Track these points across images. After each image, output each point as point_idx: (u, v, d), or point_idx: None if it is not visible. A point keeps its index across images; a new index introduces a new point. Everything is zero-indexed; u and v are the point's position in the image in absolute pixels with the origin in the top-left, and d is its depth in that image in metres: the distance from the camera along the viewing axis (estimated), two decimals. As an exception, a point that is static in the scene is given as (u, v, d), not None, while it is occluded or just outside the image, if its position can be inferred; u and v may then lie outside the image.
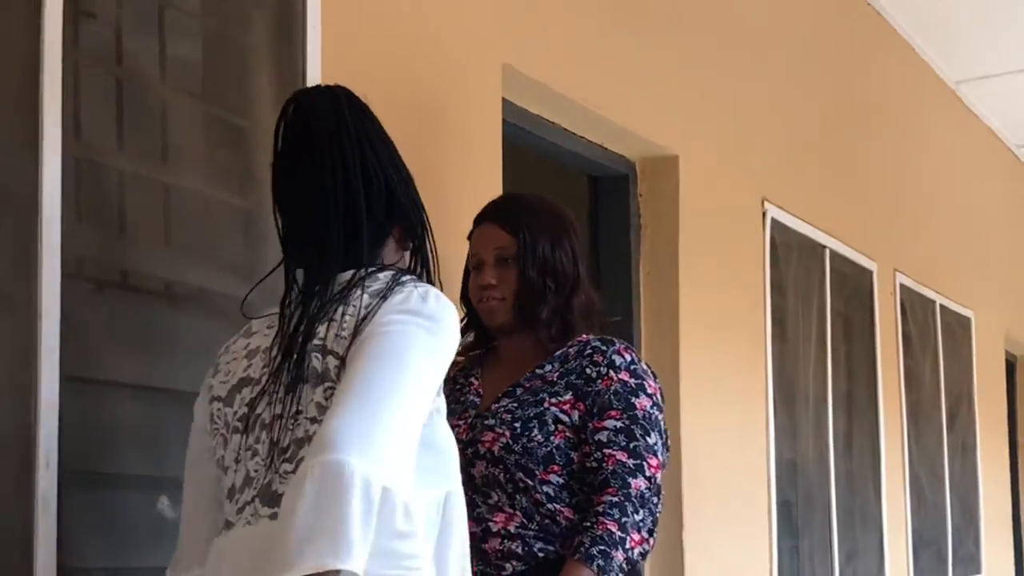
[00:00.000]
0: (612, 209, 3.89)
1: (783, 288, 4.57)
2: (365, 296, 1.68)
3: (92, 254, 2.06)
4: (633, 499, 2.30)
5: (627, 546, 2.28)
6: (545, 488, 2.33)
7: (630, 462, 2.32)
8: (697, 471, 3.79)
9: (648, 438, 2.35)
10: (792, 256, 4.66)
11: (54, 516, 1.94)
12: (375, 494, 1.48)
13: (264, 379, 1.71)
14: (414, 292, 1.70)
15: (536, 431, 2.34)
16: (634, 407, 2.36)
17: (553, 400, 2.37)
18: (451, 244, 2.42)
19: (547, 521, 2.34)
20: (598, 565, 2.24)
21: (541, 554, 2.34)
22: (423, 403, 1.64)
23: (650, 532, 2.31)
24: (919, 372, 5.93)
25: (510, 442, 2.34)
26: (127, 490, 2.08)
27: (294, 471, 1.58)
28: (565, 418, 2.36)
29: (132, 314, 2.10)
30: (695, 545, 3.75)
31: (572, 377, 2.40)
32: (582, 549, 2.25)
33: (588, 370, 2.39)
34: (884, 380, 5.37)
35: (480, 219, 2.52)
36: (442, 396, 1.76)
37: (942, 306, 6.27)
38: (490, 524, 2.35)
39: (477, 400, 2.47)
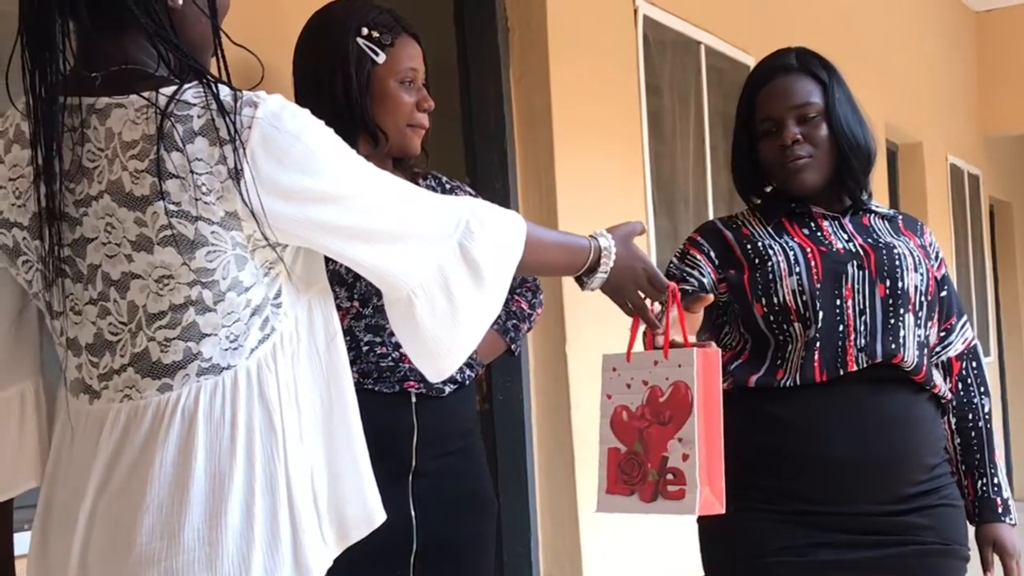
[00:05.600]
0: (478, 12, 3.71)
1: (658, 88, 4.46)
2: (199, 140, 1.47)
3: None
4: (538, 286, 2.67)
5: (531, 320, 2.65)
6: None
7: None
8: (577, 280, 3.73)
9: None
10: (666, 54, 4.54)
11: None
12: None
13: (82, 218, 1.55)
14: (266, 117, 1.48)
15: None
16: None
17: None
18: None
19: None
20: (510, 337, 2.58)
21: (465, 381, 2.37)
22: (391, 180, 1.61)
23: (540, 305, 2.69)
24: (800, 165, 5.90)
25: None
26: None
27: (179, 337, 1.53)
28: None
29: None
30: (577, 354, 3.71)
31: None
32: (499, 322, 2.54)
33: None
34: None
35: None
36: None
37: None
38: None
39: None
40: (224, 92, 1.50)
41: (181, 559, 1.49)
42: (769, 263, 2.35)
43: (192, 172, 1.47)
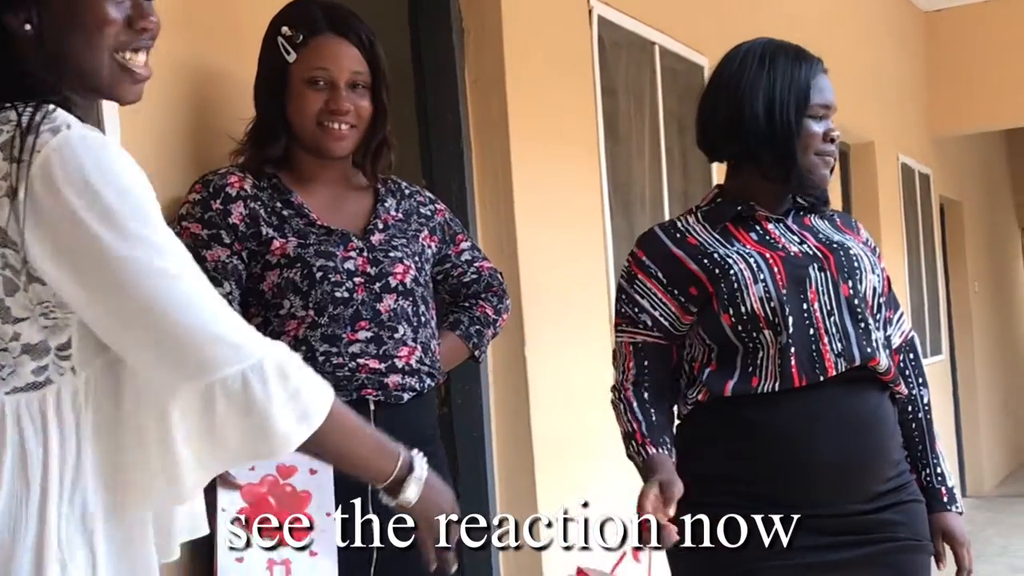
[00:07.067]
0: (433, 14, 3.69)
1: (614, 89, 4.46)
2: None
3: None
4: (505, 291, 2.70)
5: (497, 326, 2.68)
6: (433, 322, 2.44)
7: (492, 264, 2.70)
8: (535, 282, 3.72)
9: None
10: (621, 55, 4.53)
11: None
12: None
13: None
14: (56, 146, 1.46)
15: (426, 265, 2.46)
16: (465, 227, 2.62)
17: (423, 234, 2.48)
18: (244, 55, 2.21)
19: (432, 353, 2.39)
20: (473, 343, 2.62)
21: (424, 389, 2.37)
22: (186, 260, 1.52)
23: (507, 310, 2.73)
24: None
25: (416, 274, 2.38)
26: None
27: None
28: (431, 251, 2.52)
29: None
30: (536, 357, 3.70)
31: (414, 216, 2.48)
32: (462, 327, 2.59)
33: (422, 209, 2.51)
34: (719, 176, 5.33)
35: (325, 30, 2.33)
36: None
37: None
38: (395, 360, 2.31)
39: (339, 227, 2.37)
40: (57, 119, 1.48)
41: None
42: (731, 272, 2.30)
43: None
